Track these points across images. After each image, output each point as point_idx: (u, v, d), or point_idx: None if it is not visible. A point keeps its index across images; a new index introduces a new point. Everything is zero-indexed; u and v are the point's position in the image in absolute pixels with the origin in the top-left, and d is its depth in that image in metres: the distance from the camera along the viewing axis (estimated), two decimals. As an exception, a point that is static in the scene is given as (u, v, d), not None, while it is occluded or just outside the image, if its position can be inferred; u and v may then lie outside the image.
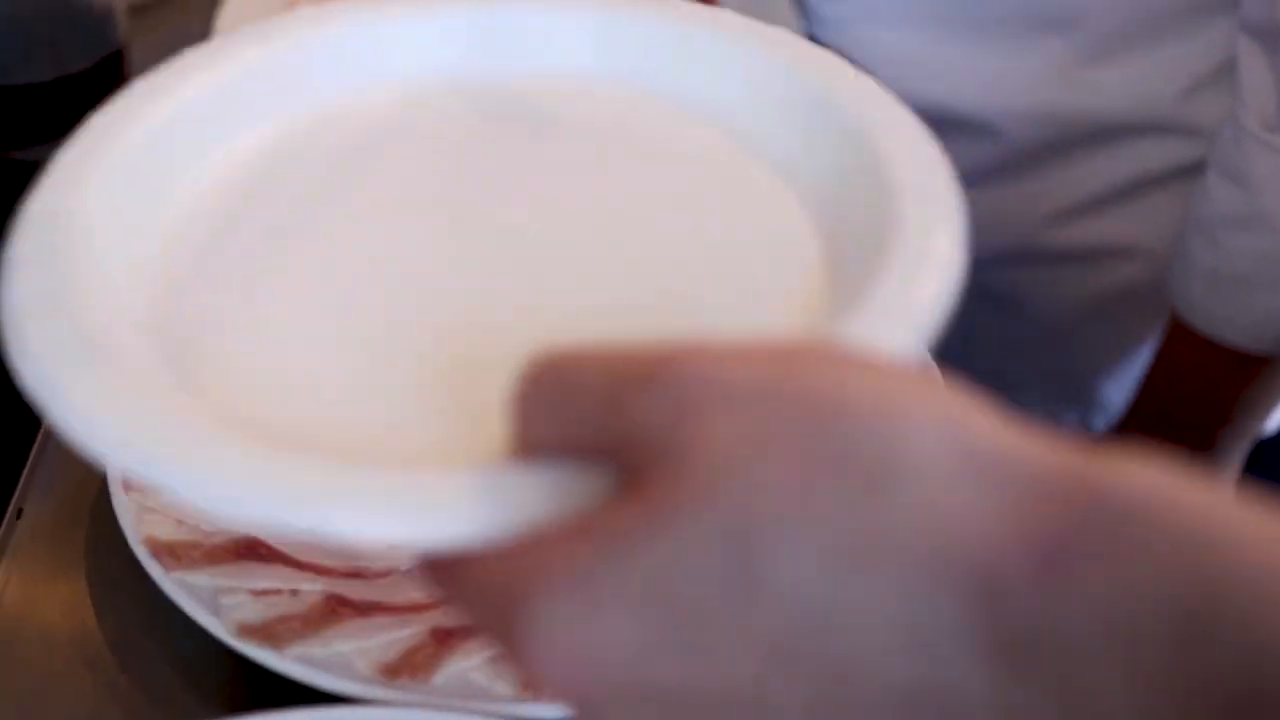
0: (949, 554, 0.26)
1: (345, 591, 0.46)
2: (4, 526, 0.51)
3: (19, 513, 0.51)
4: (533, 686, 0.30)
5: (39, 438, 0.54)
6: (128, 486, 0.48)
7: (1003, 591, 0.26)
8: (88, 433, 0.29)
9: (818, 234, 0.36)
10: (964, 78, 0.82)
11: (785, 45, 0.40)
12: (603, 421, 0.29)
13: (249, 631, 0.44)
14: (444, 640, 0.45)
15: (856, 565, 0.27)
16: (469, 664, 0.44)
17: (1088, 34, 0.78)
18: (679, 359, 0.29)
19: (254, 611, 0.45)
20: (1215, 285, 0.72)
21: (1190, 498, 0.26)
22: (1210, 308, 0.73)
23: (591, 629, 0.28)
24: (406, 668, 0.44)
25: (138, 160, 0.36)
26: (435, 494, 0.29)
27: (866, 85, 0.38)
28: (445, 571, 0.30)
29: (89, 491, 0.52)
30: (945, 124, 0.83)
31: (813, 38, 0.81)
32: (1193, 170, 0.77)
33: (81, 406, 0.29)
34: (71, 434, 0.29)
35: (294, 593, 0.46)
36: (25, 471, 0.53)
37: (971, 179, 0.83)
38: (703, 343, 0.29)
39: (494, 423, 0.30)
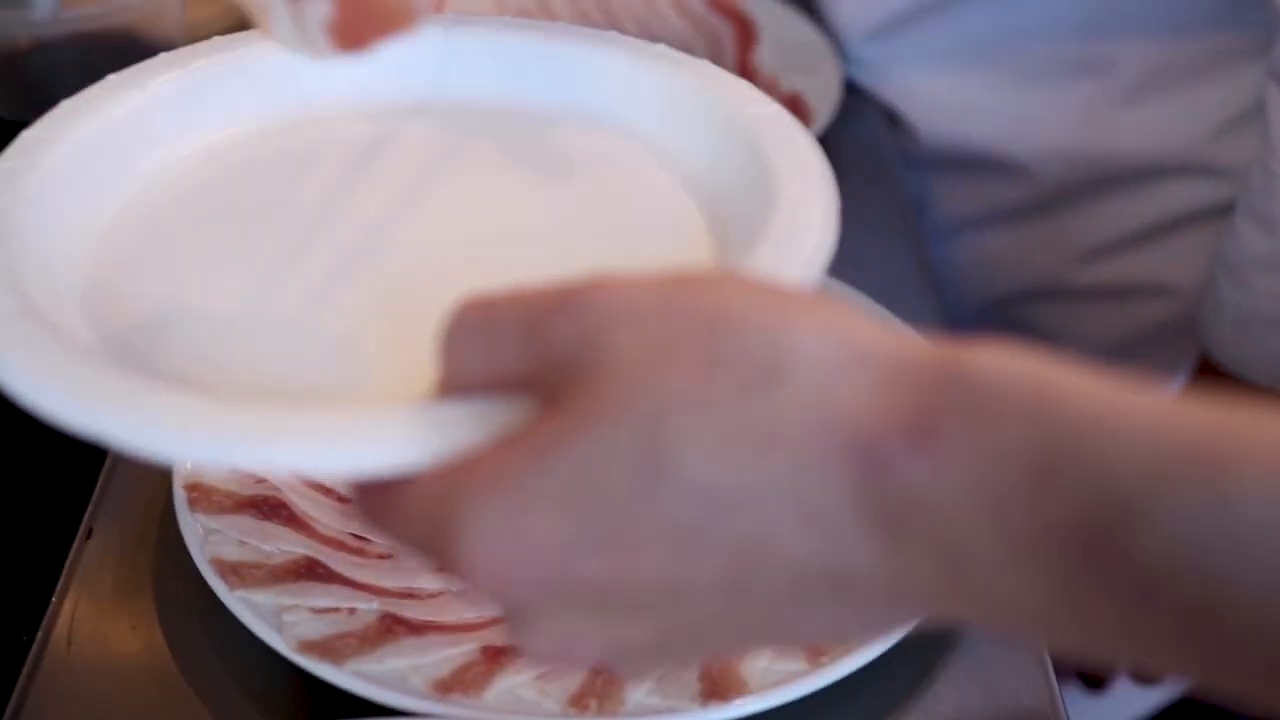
0: (835, 435, 0.30)
1: (399, 611, 0.49)
2: (75, 547, 0.53)
3: (89, 533, 0.54)
4: (470, 591, 0.32)
5: (108, 461, 0.56)
6: (194, 508, 0.51)
7: (882, 464, 0.29)
8: (39, 397, 0.31)
9: (705, 215, 0.40)
10: (997, 119, 0.84)
11: (684, 64, 0.43)
12: (521, 352, 0.32)
13: (309, 647, 0.46)
14: (494, 658, 0.47)
15: (754, 451, 0.30)
16: (518, 680, 0.46)
17: (1119, 78, 0.80)
18: (586, 288, 0.32)
19: (314, 629, 0.47)
20: (1244, 327, 0.74)
21: (1033, 369, 0.29)
22: (1239, 349, 0.74)
23: (519, 527, 0.30)
24: (458, 684, 0.46)
25: (81, 159, 0.39)
26: (370, 427, 0.31)
27: (749, 91, 0.42)
28: (380, 499, 0.33)
29: (155, 513, 0.54)
30: (978, 163, 0.85)
31: (851, 81, 0.83)
32: (1223, 210, 0.79)
33: (30, 373, 0.32)
34: (22, 398, 0.32)
35: (351, 611, 0.48)
36: (95, 493, 0.55)
37: (1003, 217, 0.86)
38: (608, 274, 0.32)
39: (425, 368, 0.33)
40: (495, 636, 0.48)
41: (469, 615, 0.49)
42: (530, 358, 0.32)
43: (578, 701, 0.46)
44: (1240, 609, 0.27)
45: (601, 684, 0.46)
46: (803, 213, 0.37)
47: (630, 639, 0.32)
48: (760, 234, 0.36)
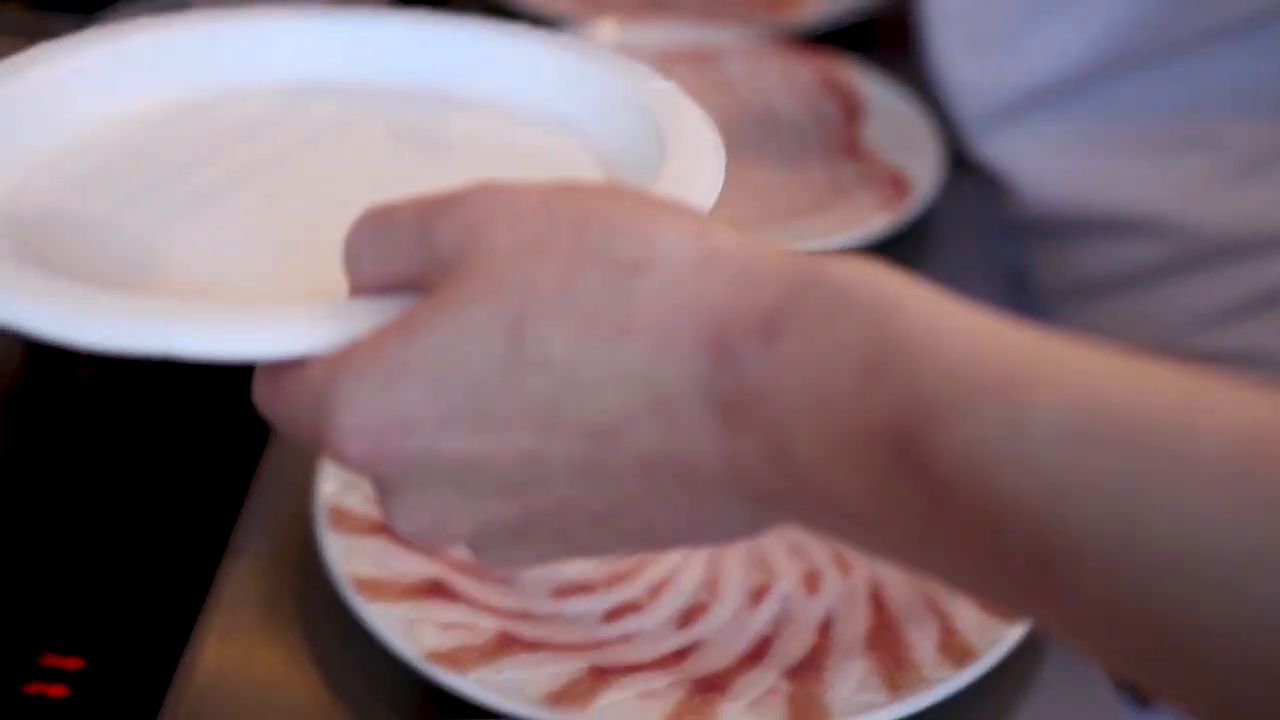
0: (688, 327, 0.32)
1: (515, 629, 0.53)
2: (223, 564, 0.59)
3: (234, 551, 0.59)
4: (343, 463, 0.35)
5: (254, 481, 0.62)
6: (334, 529, 0.56)
7: (728, 357, 0.32)
8: None
9: (602, 170, 0.46)
10: (1106, 188, 0.86)
11: (594, 53, 0.50)
12: (410, 250, 0.34)
13: (436, 657, 0.51)
14: (601, 676, 0.51)
15: (611, 338, 0.32)
16: (622, 695, 0.51)
17: (1230, 153, 0.82)
18: (474, 191, 0.34)
19: (440, 641, 0.52)
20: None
21: (881, 280, 0.32)
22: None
23: (389, 400, 0.33)
24: (568, 696, 0.50)
25: (32, 100, 0.46)
26: (266, 317, 0.34)
27: (645, 70, 0.48)
28: (272, 386, 0.35)
29: (298, 533, 0.59)
30: (1085, 229, 0.88)
31: (958, 151, 0.87)
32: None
33: None
34: None
35: (473, 627, 0.53)
36: (241, 512, 0.61)
37: (1112, 284, 0.88)
38: (496, 180, 0.35)
39: (335, 281, 0.36)
40: (601, 658, 0.52)
41: (577, 637, 0.53)
42: (419, 257, 0.34)
43: (676, 718, 0.50)
44: (1019, 517, 0.29)
45: (699, 703, 0.50)
46: (693, 164, 0.42)
47: (494, 517, 0.35)
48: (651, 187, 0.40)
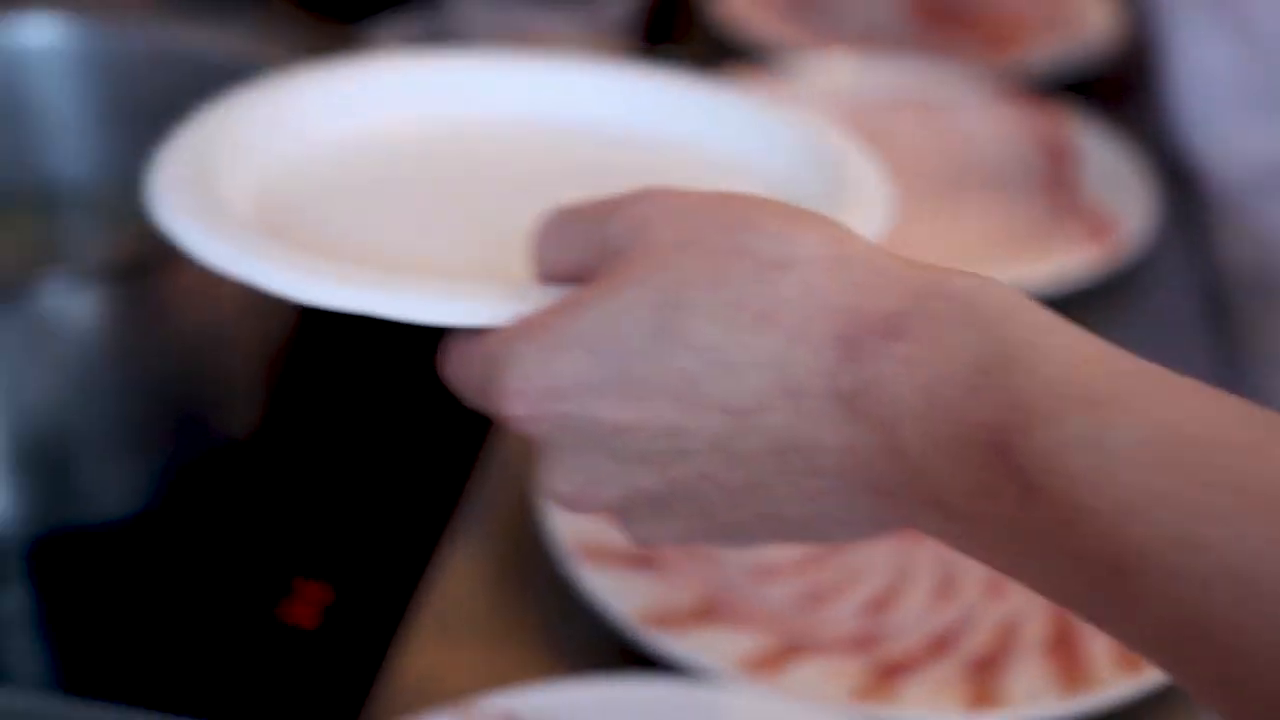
0: (821, 322, 0.36)
1: (714, 603, 0.58)
2: (452, 521, 0.64)
3: (463, 510, 0.65)
4: (508, 423, 0.39)
5: (482, 449, 0.68)
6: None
7: (853, 353, 0.35)
8: (211, 252, 0.43)
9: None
10: None
11: (777, 103, 0.57)
12: (586, 243, 0.39)
13: (645, 618, 0.56)
14: (791, 651, 0.55)
15: (754, 325, 0.36)
16: (812, 670, 0.54)
17: None
18: (646, 192, 0.39)
19: (647, 604, 0.57)
20: None
21: (994, 292, 0.35)
22: None
23: (548, 367, 0.37)
24: (762, 665, 0.55)
25: (274, 114, 0.54)
26: (461, 291, 0.40)
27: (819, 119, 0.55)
28: (455, 352, 0.40)
29: (522, 497, 0.65)
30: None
31: (1179, 206, 0.88)
32: None
33: (208, 239, 0.44)
34: (198, 254, 0.43)
35: (676, 597, 0.57)
36: (472, 474, 0.67)
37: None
38: (666, 185, 0.39)
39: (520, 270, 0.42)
40: (792, 635, 0.57)
41: (771, 615, 0.58)
42: (592, 249, 0.38)
43: (861, 693, 0.54)
44: (1095, 525, 0.31)
45: (883, 683, 0.54)
46: (862, 211, 0.47)
47: (639, 485, 0.38)
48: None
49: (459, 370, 0.41)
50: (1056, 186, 0.89)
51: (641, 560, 0.59)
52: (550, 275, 0.40)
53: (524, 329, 0.38)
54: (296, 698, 0.56)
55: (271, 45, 0.72)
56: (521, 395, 0.37)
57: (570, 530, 0.60)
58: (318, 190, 0.52)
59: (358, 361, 0.74)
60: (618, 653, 0.57)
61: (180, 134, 0.51)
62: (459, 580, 0.62)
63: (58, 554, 0.62)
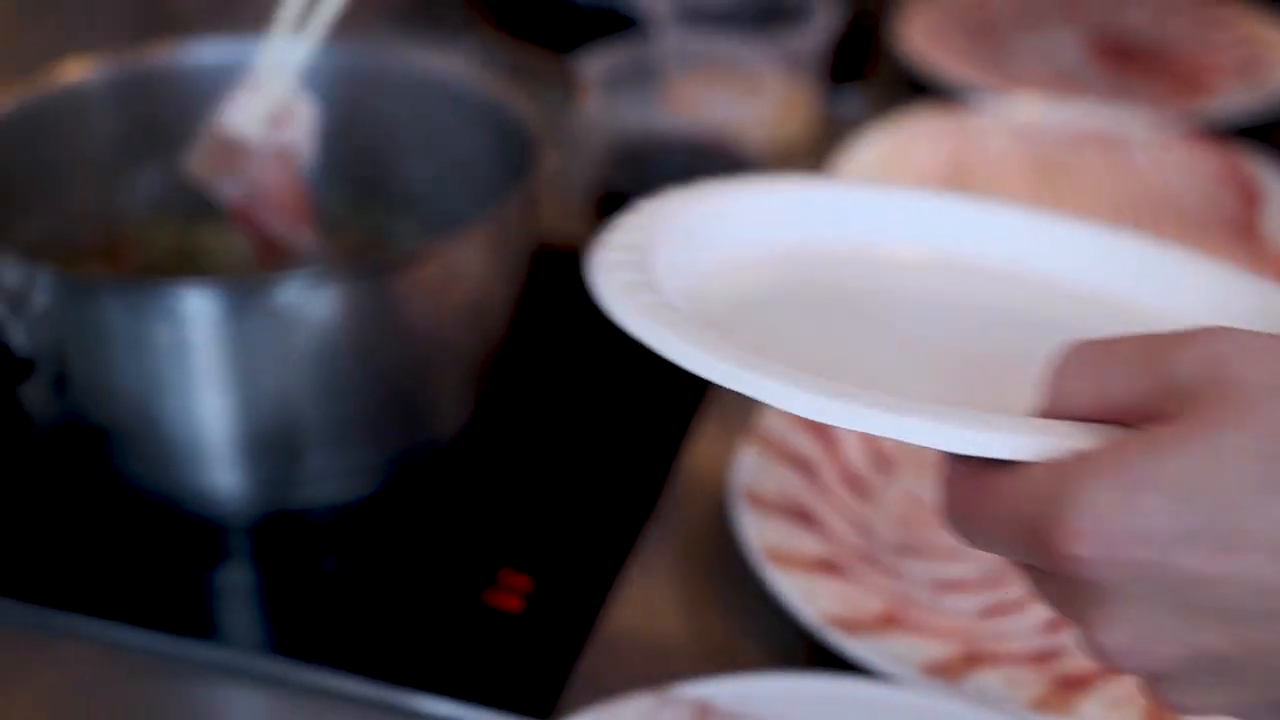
0: None
1: (899, 612, 0.60)
2: (647, 523, 0.68)
3: (657, 513, 0.69)
4: (1065, 565, 0.34)
5: (678, 457, 0.71)
6: (752, 505, 0.64)
7: None
8: (695, 360, 0.39)
9: None
10: None
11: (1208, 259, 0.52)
12: (1135, 382, 0.35)
13: (832, 621, 0.59)
14: (972, 660, 0.58)
15: None
16: (993, 679, 0.57)
17: None
18: (1209, 330, 0.35)
19: (834, 609, 0.59)
20: None
21: None
22: None
23: (1129, 508, 0.33)
24: (943, 670, 0.57)
25: (701, 223, 0.52)
26: (986, 419, 0.36)
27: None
28: (978, 486, 0.36)
29: (714, 502, 0.68)
30: None
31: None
32: None
33: (686, 345, 0.40)
34: (681, 360, 0.40)
35: (861, 603, 0.60)
36: (667, 481, 0.70)
37: None
38: (1227, 326, 0.35)
39: (1018, 402, 0.38)
40: (973, 646, 0.59)
41: (953, 626, 0.60)
42: (1146, 388, 0.35)
43: (1040, 703, 0.56)
44: None
45: (1062, 695, 0.56)
46: None
47: (1207, 646, 0.34)
48: None
49: (985, 503, 0.37)
50: (1240, 225, 0.90)
51: (826, 567, 0.62)
52: (1074, 411, 0.37)
53: (1094, 464, 0.34)
54: (500, 676, 0.60)
55: (488, 70, 0.77)
56: (1092, 537, 0.34)
57: (758, 533, 0.63)
58: (755, 299, 0.51)
59: (560, 368, 0.78)
60: (801, 653, 0.60)
61: (619, 225, 0.50)
62: (653, 575, 0.65)
63: (281, 534, 0.67)
